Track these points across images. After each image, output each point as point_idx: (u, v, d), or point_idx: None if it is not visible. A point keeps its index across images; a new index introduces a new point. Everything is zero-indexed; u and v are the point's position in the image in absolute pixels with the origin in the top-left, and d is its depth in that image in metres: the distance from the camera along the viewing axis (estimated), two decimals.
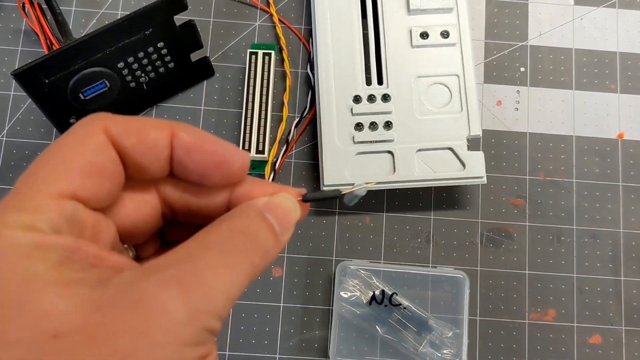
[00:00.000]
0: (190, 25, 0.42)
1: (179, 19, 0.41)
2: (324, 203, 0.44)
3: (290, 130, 0.45)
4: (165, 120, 0.23)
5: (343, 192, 0.27)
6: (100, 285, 0.19)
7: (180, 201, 0.25)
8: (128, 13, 0.39)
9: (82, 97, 0.41)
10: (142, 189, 0.24)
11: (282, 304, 0.43)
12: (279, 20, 0.47)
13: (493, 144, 0.46)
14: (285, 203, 0.24)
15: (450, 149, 0.43)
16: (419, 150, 0.43)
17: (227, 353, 0.42)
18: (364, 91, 0.44)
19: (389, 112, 0.43)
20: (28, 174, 0.20)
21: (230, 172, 0.23)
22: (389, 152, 0.43)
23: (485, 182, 0.42)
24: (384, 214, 0.44)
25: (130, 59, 0.41)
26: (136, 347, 0.18)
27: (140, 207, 0.24)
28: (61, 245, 0.19)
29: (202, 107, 0.46)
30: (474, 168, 0.42)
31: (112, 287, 0.19)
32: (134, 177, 0.23)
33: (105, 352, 0.18)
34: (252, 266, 0.21)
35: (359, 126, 0.43)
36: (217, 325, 0.20)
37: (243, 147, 0.43)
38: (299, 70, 0.47)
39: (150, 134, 0.22)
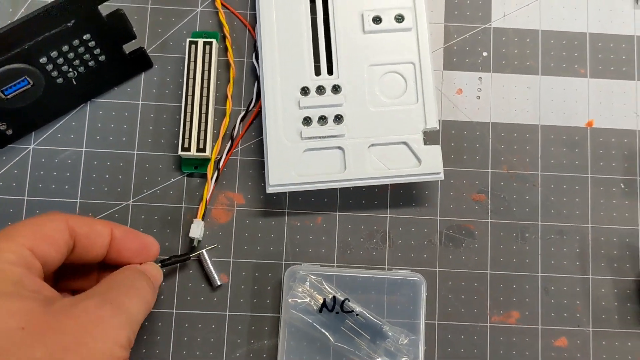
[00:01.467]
0: (118, 15, 0.38)
1: (108, 5, 0.38)
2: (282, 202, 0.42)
3: (235, 125, 0.42)
4: (107, 220, 0.35)
5: (191, 256, 0.40)
6: (47, 302, 0.28)
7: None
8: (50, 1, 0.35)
9: (3, 96, 0.38)
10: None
11: (228, 313, 0.40)
12: (222, 5, 0.43)
13: (453, 135, 0.43)
14: (152, 268, 0.35)
15: (405, 143, 0.40)
16: (372, 145, 0.40)
17: None
18: (312, 82, 0.40)
19: (340, 105, 0.40)
20: (6, 230, 0.30)
21: (149, 254, 0.35)
22: (340, 148, 0.40)
23: (443, 179, 0.39)
24: (337, 213, 0.42)
25: (54, 54, 0.38)
26: (79, 344, 0.26)
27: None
28: (16, 271, 0.28)
29: (140, 102, 0.42)
30: (431, 164, 0.39)
31: (57, 304, 0.28)
32: (80, 259, 0.33)
33: (54, 343, 0.26)
34: (146, 300, 0.32)
35: (306, 120, 0.40)
36: (133, 339, 0.29)
37: (182, 145, 0.40)
38: (245, 60, 0.43)
39: (97, 226, 0.33)
